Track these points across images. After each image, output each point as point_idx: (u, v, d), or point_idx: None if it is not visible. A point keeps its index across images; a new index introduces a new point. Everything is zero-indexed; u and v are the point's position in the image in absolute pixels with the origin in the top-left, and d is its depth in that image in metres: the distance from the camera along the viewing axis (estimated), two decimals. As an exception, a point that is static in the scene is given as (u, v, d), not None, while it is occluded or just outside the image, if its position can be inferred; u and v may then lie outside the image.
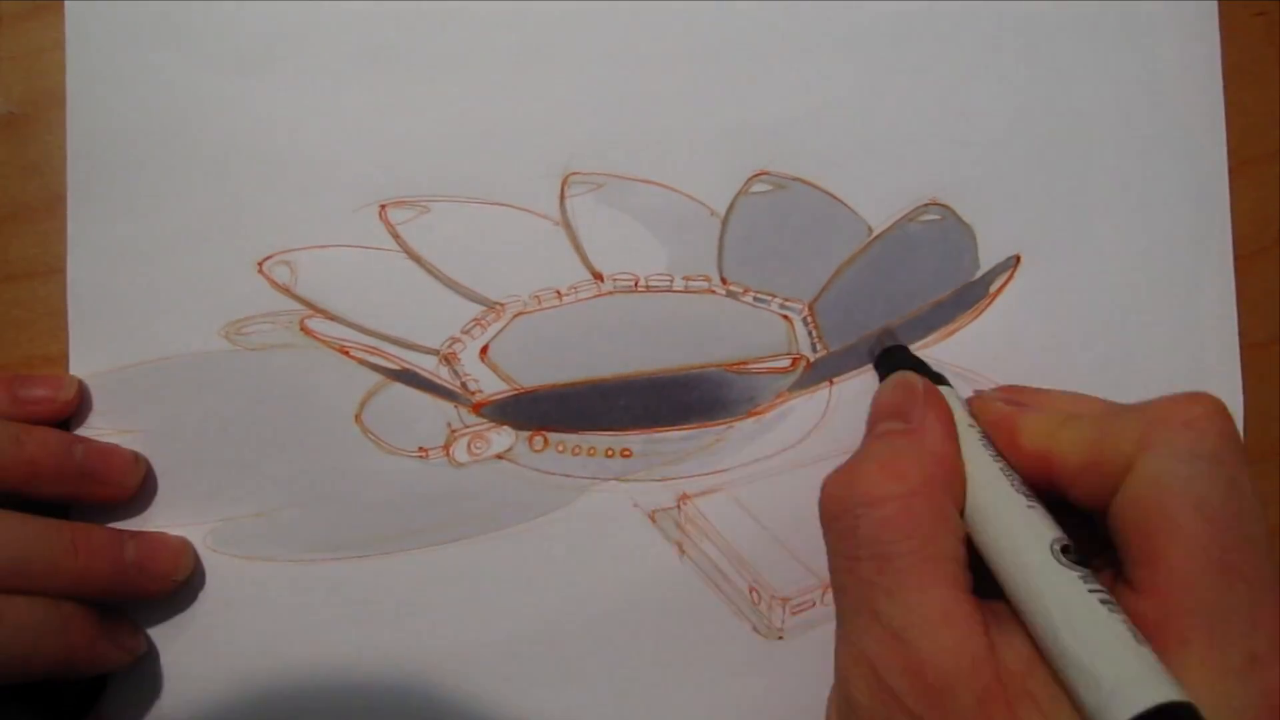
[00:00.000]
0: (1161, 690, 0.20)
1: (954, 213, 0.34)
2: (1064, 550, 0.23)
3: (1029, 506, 0.24)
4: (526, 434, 0.33)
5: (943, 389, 0.28)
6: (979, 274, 0.34)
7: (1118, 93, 0.34)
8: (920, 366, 0.30)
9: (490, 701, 0.33)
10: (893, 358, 0.31)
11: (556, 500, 0.33)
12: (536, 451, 0.33)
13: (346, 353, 0.33)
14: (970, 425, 0.27)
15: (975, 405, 0.28)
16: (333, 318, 0.33)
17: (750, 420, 0.33)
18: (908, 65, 0.34)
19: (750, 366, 0.34)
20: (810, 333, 0.34)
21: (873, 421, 0.28)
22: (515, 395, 0.33)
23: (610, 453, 0.33)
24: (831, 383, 0.34)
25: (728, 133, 0.33)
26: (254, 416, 0.33)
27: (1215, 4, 0.35)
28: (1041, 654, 0.22)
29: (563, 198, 0.33)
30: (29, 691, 0.31)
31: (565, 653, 0.33)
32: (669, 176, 0.33)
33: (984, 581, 0.25)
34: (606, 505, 0.33)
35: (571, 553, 0.33)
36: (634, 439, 0.33)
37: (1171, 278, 0.34)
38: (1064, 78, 0.34)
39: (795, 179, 0.34)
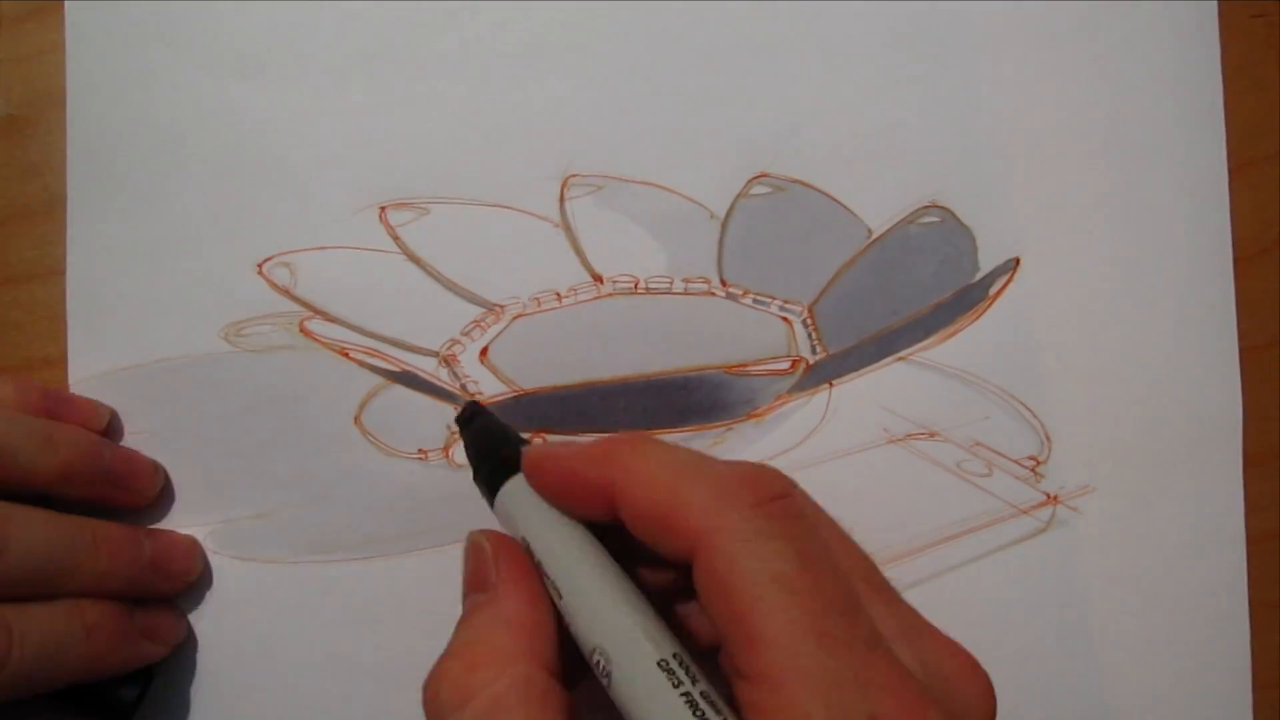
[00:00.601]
0: None
1: (954, 215, 0.34)
2: (675, 660, 0.22)
3: (634, 622, 0.23)
4: (526, 436, 0.33)
5: (534, 461, 0.26)
6: (979, 276, 0.34)
7: (1117, 94, 0.34)
8: (499, 432, 0.29)
9: (490, 703, 0.33)
10: (472, 423, 0.30)
11: (556, 502, 0.33)
12: (536, 453, 0.33)
13: (346, 354, 0.33)
14: (559, 522, 0.26)
15: (529, 452, 0.27)
16: (332, 319, 0.33)
17: (749, 422, 0.34)
18: (908, 67, 0.34)
19: (750, 369, 0.34)
20: (810, 335, 0.34)
21: (463, 596, 0.27)
22: (515, 397, 0.33)
23: (610, 455, 0.33)
24: (831, 385, 0.34)
25: (727, 135, 0.33)
26: (254, 418, 0.33)
27: (1215, 5, 0.35)
28: None
29: (562, 199, 0.33)
30: (76, 691, 0.30)
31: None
32: (669, 178, 0.33)
33: None
34: (606, 507, 0.33)
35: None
36: (633, 441, 0.33)
37: (1171, 280, 0.34)
38: (1063, 80, 0.34)
39: (795, 181, 0.34)
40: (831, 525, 0.26)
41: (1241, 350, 0.34)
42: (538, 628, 0.25)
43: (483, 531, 0.27)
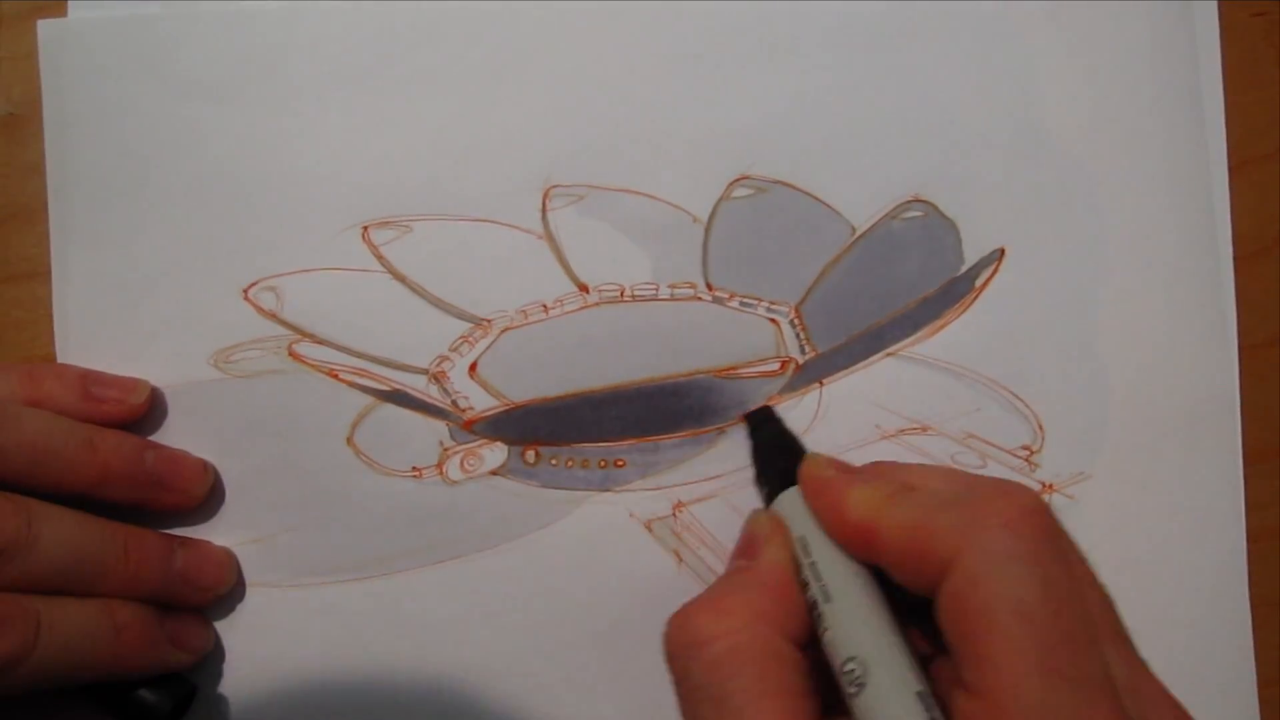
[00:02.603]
0: None
1: (936, 209, 0.34)
2: (930, 696, 0.23)
3: (901, 649, 0.24)
4: (519, 449, 0.33)
5: (810, 488, 0.28)
6: (964, 269, 0.34)
7: (1097, 88, 0.34)
8: (787, 442, 0.31)
9: (494, 718, 0.33)
10: (762, 430, 0.32)
11: (552, 514, 0.33)
12: (530, 466, 0.33)
13: (336, 376, 0.33)
14: (826, 540, 0.27)
15: (805, 470, 0.28)
16: (320, 341, 0.33)
17: (742, 425, 0.33)
18: (886, 63, 0.34)
19: (739, 371, 0.33)
20: (798, 335, 0.34)
21: (729, 559, 0.29)
22: (506, 411, 0.33)
23: (604, 464, 0.33)
24: (821, 384, 0.34)
25: (707, 138, 0.33)
26: (247, 443, 0.33)
27: (1212, 4, 0.34)
28: None
29: (545, 211, 0.33)
30: (111, 694, 0.31)
31: (567, 666, 0.33)
32: (650, 185, 0.33)
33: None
34: (602, 517, 0.33)
35: (570, 566, 0.33)
36: (626, 449, 0.33)
37: (1158, 264, 0.34)
38: (1045, 73, 0.34)
39: (776, 182, 0.34)
40: (1078, 553, 0.25)
41: (1243, 348, 0.34)
42: (791, 602, 0.26)
43: (764, 511, 0.29)
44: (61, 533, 0.28)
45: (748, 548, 0.28)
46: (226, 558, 0.32)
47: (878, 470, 0.28)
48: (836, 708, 0.24)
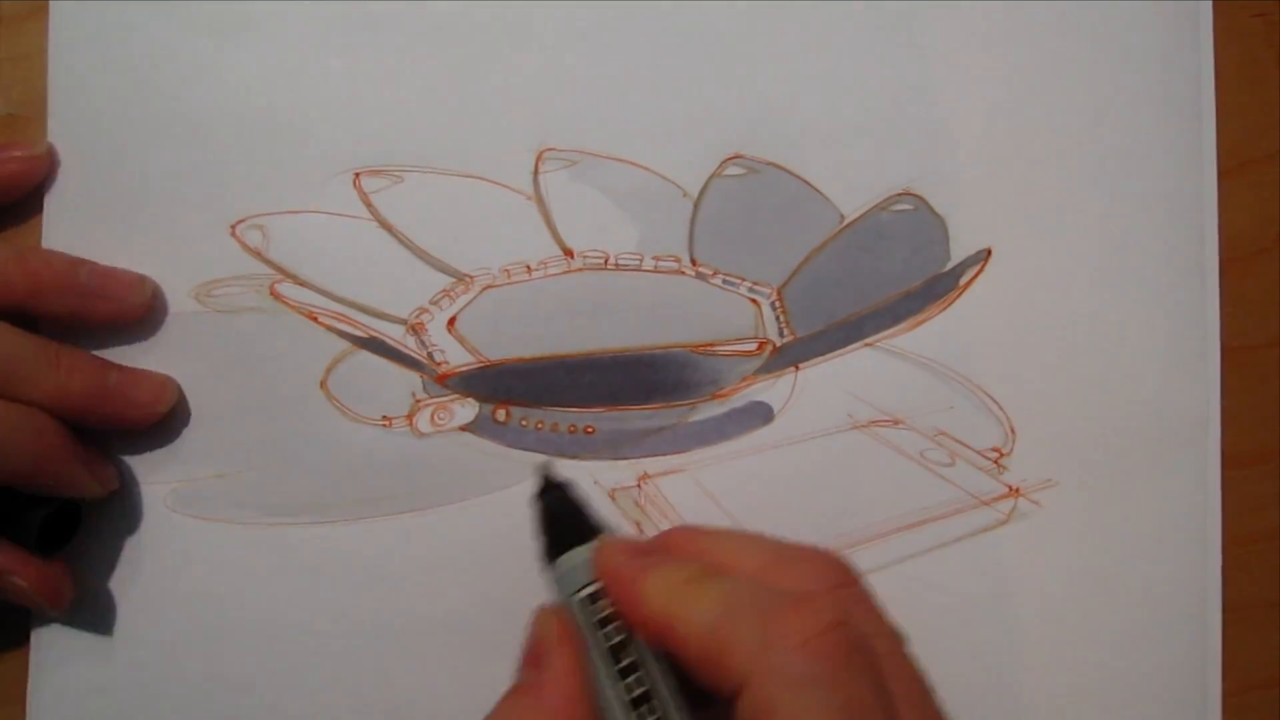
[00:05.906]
0: None
1: (926, 203, 0.34)
2: None
3: None
4: (490, 407, 0.33)
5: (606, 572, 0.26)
6: (949, 266, 0.34)
7: (1095, 90, 0.34)
8: (576, 515, 0.29)
9: (440, 672, 0.33)
10: (550, 497, 0.29)
11: (517, 475, 0.33)
12: (499, 424, 0.33)
13: (315, 319, 0.33)
14: (612, 641, 0.26)
15: (599, 558, 0.27)
16: (303, 283, 0.33)
17: (714, 402, 0.33)
18: (887, 55, 0.34)
19: (716, 349, 0.34)
20: (778, 318, 0.34)
21: (520, 663, 0.28)
22: (480, 368, 0.33)
23: (573, 429, 0.33)
24: (797, 368, 0.34)
25: (704, 115, 0.33)
26: (220, 378, 0.33)
27: (1208, 4, 0.34)
28: None
29: (536, 173, 0.33)
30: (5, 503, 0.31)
31: (517, 627, 0.33)
32: (643, 156, 0.33)
33: None
34: (567, 481, 0.33)
35: (531, 527, 0.33)
36: (597, 416, 0.33)
37: (1143, 276, 0.34)
38: (1043, 74, 0.34)
39: (769, 164, 0.34)
40: (890, 644, 0.24)
41: (1240, 350, 0.34)
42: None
43: (553, 610, 0.27)
44: None
45: (533, 656, 0.27)
46: (165, 379, 0.32)
47: (679, 546, 0.27)
48: None
